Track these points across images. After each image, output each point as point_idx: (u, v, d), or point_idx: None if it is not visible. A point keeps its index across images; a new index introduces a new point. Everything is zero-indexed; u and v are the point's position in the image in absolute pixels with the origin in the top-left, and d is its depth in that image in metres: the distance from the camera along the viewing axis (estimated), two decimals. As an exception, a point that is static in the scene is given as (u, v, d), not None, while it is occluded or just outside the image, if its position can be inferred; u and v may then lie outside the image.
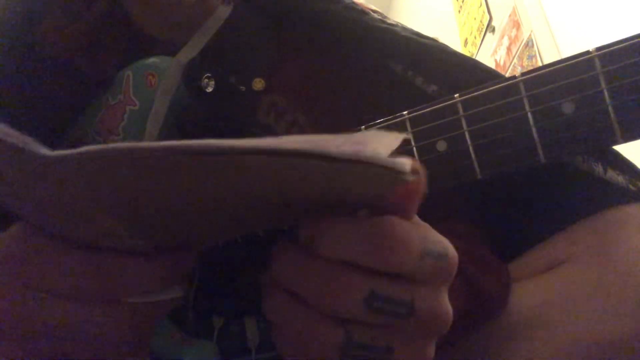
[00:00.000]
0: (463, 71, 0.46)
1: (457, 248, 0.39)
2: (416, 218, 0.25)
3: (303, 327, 0.24)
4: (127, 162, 0.18)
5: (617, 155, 0.41)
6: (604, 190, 0.40)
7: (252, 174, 0.19)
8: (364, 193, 0.22)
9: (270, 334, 0.27)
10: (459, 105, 0.35)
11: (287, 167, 0.18)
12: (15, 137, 0.18)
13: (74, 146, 0.19)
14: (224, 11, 0.48)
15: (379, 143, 0.20)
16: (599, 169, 0.40)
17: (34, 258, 0.24)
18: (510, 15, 2.11)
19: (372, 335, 0.23)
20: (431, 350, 0.25)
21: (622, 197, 0.40)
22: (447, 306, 0.25)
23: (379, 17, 0.51)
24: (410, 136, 0.37)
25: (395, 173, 0.20)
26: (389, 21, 0.51)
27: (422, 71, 0.46)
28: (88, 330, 0.24)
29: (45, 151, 0.18)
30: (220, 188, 0.20)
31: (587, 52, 0.33)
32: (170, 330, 0.36)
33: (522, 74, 0.34)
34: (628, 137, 0.32)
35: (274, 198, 0.21)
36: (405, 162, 0.20)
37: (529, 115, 0.34)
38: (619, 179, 0.40)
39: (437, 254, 0.24)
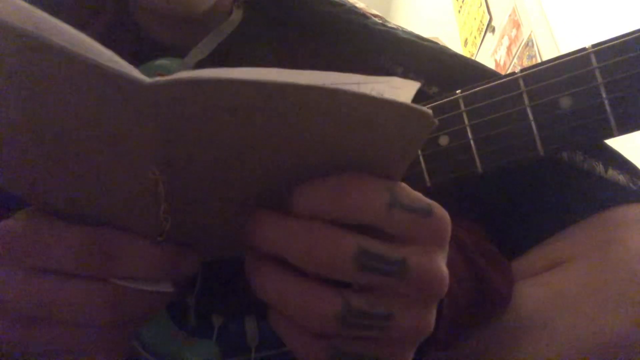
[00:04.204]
0: (464, 73, 0.47)
1: (464, 238, 0.40)
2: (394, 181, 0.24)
3: (299, 298, 0.23)
4: (218, 92, 0.19)
5: (618, 154, 0.42)
6: (604, 190, 0.41)
7: (315, 112, 0.20)
8: (398, 138, 0.23)
9: (270, 333, 0.26)
10: (461, 101, 0.36)
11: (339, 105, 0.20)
12: (116, 63, 0.18)
13: None
14: (238, 15, 0.49)
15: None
16: (599, 168, 0.40)
17: (31, 234, 0.24)
18: (510, 15, 2.11)
19: (370, 301, 0.23)
20: (432, 316, 0.25)
21: (623, 196, 0.40)
22: (442, 268, 0.24)
23: (380, 21, 0.52)
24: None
25: (427, 117, 0.21)
26: (389, 25, 0.52)
27: (423, 73, 0.47)
28: (72, 309, 0.24)
29: (141, 77, 0.18)
30: (280, 129, 0.21)
31: (584, 49, 0.34)
32: (171, 330, 0.37)
33: (521, 70, 0.35)
34: (623, 130, 0.33)
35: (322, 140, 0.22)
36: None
37: (528, 109, 0.35)
38: (620, 178, 0.40)
39: (411, 207, 0.23)
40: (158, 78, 0.18)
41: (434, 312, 0.25)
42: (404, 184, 0.24)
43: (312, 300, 0.23)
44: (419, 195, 0.24)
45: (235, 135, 0.21)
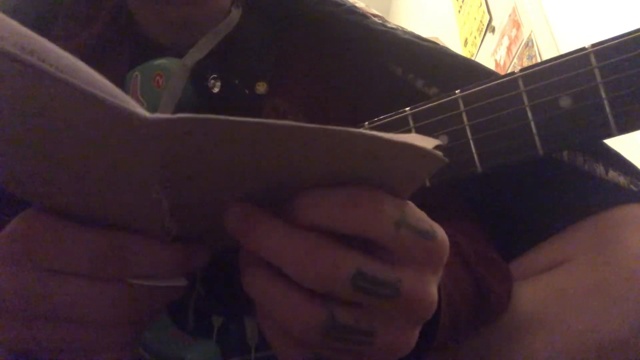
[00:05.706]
0: (463, 73, 0.47)
1: (463, 243, 0.40)
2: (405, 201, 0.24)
3: (285, 305, 0.23)
4: (219, 130, 0.19)
5: (618, 156, 0.42)
6: (605, 191, 0.41)
7: (318, 150, 0.21)
8: (402, 175, 0.23)
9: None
10: (460, 101, 0.36)
11: (350, 147, 0.21)
12: (119, 98, 0.18)
13: None
14: (236, 15, 0.49)
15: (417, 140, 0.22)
16: (600, 169, 0.41)
17: (47, 236, 0.24)
18: (510, 15, 2.11)
19: (355, 316, 0.23)
20: (414, 336, 0.25)
21: (624, 197, 0.40)
22: (433, 293, 0.24)
23: (380, 21, 0.52)
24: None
25: (434, 157, 0.22)
26: (389, 25, 0.52)
27: (422, 74, 0.47)
28: (88, 309, 0.24)
29: (144, 113, 0.19)
30: (286, 160, 0.21)
31: (583, 49, 0.34)
32: (171, 330, 0.37)
33: (521, 70, 0.35)
34: (622, 130, 0.32)
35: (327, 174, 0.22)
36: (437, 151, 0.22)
37: (528, 109, 0.35)
38: (620, 179, 0.40)
39: (417, 229, 0.23)
40: (159, 115, 0.19)
41: (417, 332, 0.26)
42: (412, 204, 0.24)
43: (298, 310, 0.23)
44: (425, 216, 0.24)
45: (237, 163, 0.21)
